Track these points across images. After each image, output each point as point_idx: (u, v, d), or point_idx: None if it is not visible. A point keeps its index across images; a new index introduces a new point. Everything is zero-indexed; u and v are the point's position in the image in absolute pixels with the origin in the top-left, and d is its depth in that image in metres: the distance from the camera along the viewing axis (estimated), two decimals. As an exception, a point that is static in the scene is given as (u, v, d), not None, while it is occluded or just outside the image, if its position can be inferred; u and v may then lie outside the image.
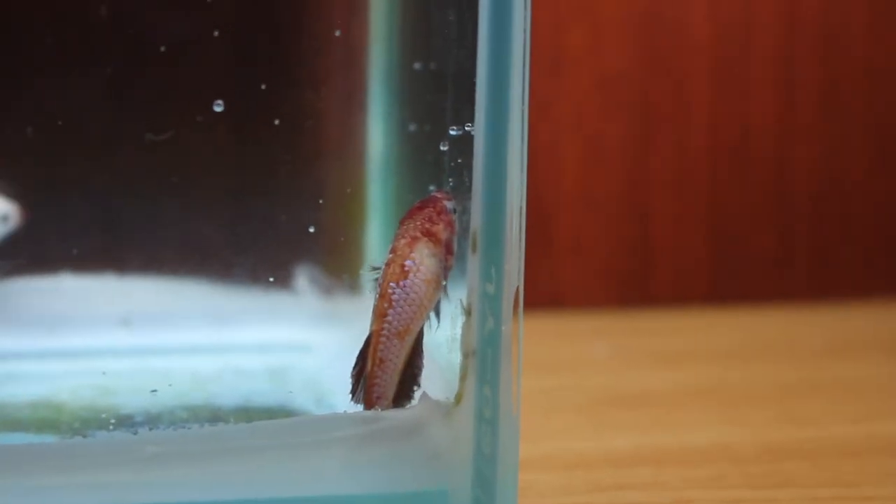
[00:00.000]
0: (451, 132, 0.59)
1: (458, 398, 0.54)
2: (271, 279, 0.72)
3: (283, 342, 0.74)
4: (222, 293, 0.72)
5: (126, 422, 0.63)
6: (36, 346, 0.72)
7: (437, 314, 0.56)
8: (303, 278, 0.73)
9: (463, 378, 0.54)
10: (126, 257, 0.72)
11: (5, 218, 0.70)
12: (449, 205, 0.57)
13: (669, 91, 1.02)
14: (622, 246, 1.03)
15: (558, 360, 0.87)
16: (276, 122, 0.71)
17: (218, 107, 0.68)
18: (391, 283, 0.55)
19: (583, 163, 1.02)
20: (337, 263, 0.73)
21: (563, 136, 1.01)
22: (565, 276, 1.02)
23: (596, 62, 1.01)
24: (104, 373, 0.69)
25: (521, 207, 0.54)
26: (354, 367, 0.56)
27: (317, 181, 0.74)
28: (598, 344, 0.92)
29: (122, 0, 0.69)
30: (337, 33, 0.72)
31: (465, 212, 0.56)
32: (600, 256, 1.02)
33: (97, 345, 0.72)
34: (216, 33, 0.69)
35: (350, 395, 0.56)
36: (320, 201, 0.73)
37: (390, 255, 0.56)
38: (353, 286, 0.72)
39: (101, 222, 0.72)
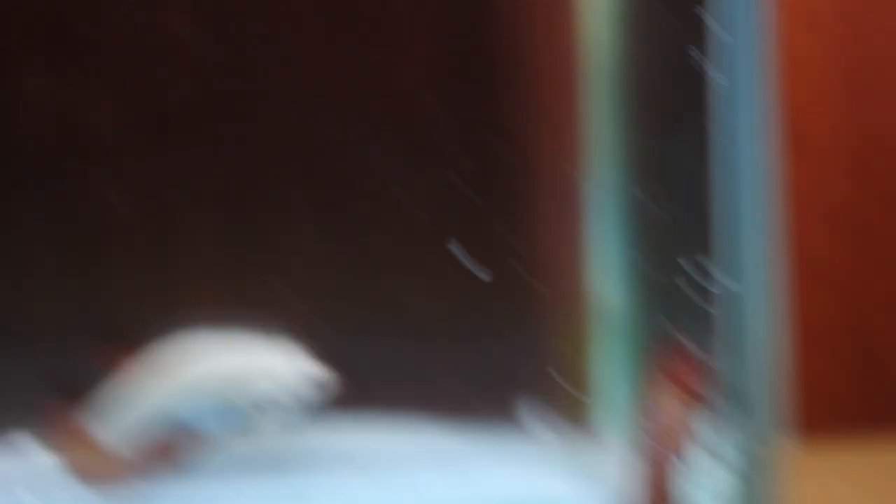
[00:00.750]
0: (692, 274, 0.58)
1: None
2: (510, 424, 0.71)
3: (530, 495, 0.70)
4: (455, 438, 0.71)
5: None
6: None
7: (691, 463, 0.55)
8: (542, 424, 0.71)
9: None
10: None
11: (322, 385, 0.65)
12: (697, 352, 0.56)
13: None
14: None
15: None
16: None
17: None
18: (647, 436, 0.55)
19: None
20: (576, 408, 0.72)
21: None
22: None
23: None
24: None
25: (775, 357, 0.53)
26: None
27: (553, 325, 0.73)
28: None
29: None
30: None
31: (714, 358, 0.55)
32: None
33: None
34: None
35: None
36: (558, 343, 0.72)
37: (646, 407, 0.55)
38: (596, 435, 0.70)
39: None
